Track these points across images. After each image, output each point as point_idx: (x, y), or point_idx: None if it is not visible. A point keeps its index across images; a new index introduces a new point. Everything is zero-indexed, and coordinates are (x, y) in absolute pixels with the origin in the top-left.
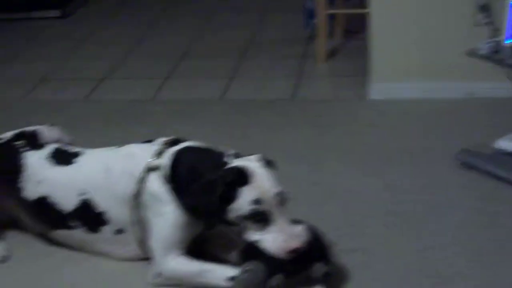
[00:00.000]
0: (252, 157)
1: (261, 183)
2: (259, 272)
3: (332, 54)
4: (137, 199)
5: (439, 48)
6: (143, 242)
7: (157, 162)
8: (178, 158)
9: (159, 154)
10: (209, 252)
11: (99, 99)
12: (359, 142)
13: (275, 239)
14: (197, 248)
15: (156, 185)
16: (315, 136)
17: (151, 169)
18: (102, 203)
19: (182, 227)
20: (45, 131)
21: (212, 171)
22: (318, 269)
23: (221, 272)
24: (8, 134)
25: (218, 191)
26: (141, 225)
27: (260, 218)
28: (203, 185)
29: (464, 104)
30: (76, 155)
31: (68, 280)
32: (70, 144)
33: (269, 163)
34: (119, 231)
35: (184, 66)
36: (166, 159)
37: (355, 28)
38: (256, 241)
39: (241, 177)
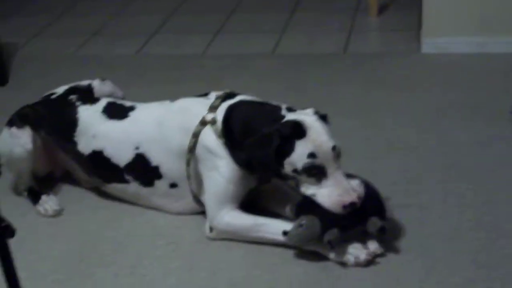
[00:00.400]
0: (306, 110)
1: (317, 136)
2: (314, 226)
3: (384, 7)
4: (191, 153)
5: (494, 2)
6: (197, 196)
7: (211, 116)
8: (232, 112)
9: (213, 108)
10: (264, 206)
11: (151, 54)
12: (412, 97)
13: (330, 194)
14: (251, 202)
15: (211, 139)
16: (368, 91)
17: (205, 123)
18: (156, 157)
19: (236, 181)
20: (98, 85)
21: (268, 125)
22: (373, 224)
23: (276, 226)
24: (62, 89)
25: (274, 145)
26: (195, 179)
27: (316, 172)
28: (259, 138)
29: None
30: (129, 109)
31: (122, 234)
32: (123, 98)
33: (323, 117)
34: (173, 185)
35: (235, 20)
36: (220, 113)
37: None
38: (311, 196)
39: (297, 131)
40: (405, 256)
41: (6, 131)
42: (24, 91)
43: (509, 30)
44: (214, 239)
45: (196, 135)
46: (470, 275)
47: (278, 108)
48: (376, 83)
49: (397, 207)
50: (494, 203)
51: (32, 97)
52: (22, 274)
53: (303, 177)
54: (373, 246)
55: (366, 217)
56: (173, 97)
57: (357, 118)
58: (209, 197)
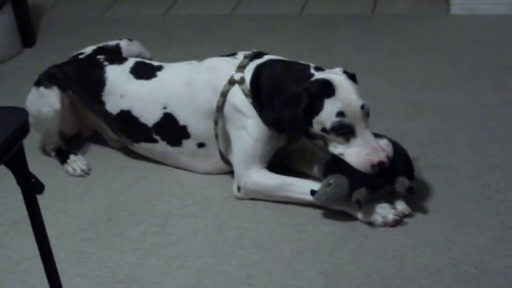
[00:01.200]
0: (335, 69)
1: (346, 95)
2: (342, 185)
3: None
4: (219, 112)
5: None
6: (225, 155)
7: (239, 75)
8: (260, 72)
9: (242, 67)
10: (292, 167)
11: (178, 15)
12: (440, 58)
13: (359, 153)
14: (280, 163)
15: (239, 98)
16: (397, 52)
17: (233, 82)
18: (184, 116)
19: (264, 141)
20: (126, 45)
21: (296, 84)
22: (402, 183)
23: (303, 186)
24: (90, 49)
25: (304, 103)
26: (223, 139)
27: (344, 131)
28: (288, 97)
29: None
30: (157, 69)
31: (149, 193)
32: (150, 58)
33: (352, 76)
34: (201, 145)
35: None
36: (248, 73)
37: None
38: (340, 155)
39: (327, 89)
40: (433, 216)
41: (34, 91)
42: (51, 52)
43: None
44: (241, 199)
45: (224, 94)
46: (498, 235)
47: (307, 67)
48: (405, 44)
49: (426, 168)
50: None
51: (59, 58)
52: (51, 232)
53: (331, 136)
54: (401, 206)
55: (395, 177)
56: (200, 58)
57: (386, 79)
58: (237, 156)
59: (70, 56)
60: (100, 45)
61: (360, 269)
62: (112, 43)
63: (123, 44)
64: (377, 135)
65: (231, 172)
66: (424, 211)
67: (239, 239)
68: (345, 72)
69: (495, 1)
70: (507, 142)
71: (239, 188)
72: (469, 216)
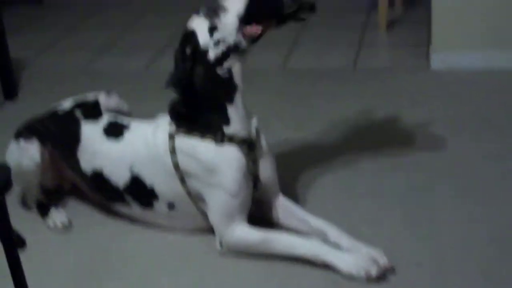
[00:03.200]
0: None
1: None
2: None
3: (393, 23)
4: (178, 170)
5: (503, 17)
6: (198, 213)
7: (173, 127)
8: (171, 107)
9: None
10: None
11: (161, 68)
12: (421, 112)
13: None
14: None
15: (196, 150)
16: (377, 106)
17: (172, 136)
18: (149, 176)
19: (240, 193)
20: (104, 98)
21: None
22: None
23: (285, 239)
24: (68, 102)
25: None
26: (194, 196)
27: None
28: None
29: None
30: (125, 128)
31: (131, 248)
32: (129, 112)
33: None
34: (171, 205)
35: None
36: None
37: None
38: None
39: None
40: (414, 270)
41: (14, 144)
42: (33, 105)
43: None
44: (223, 253)
45: (173, 150)
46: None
47: None
48: (385, 98)
49: (406, 219)
50: (506, 218)
51: (41, 110)
52: (32, 286)
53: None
54: (382, 260)
55: None
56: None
57: (366, 133)
58: (216, 214)
59: (48, 109)
60: (78, 98)
61: None
62: (91, 96)
63: (101, 97)
64: None
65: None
66: (406, 265)
67: None
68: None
69: (475, 56)
70: (489, 196)
71: (221, 243)
72: (452, 270)
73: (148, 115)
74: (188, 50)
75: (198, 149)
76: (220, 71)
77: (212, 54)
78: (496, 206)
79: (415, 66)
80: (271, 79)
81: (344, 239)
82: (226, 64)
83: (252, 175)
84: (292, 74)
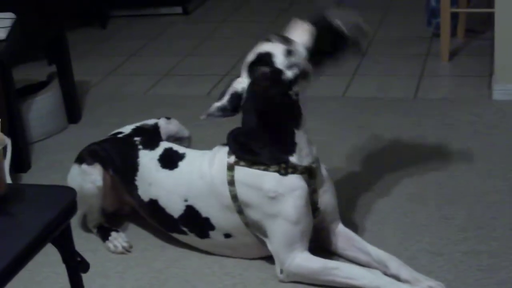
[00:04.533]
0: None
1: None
2: None
3: (455, 53)
4: (237, 202)
5: None
6: (256, 242)
7: (232, 158)
8: (233, 136)
9: (223, 152)
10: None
11: None
12: (484, 143)
13: None
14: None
15: (257, 180)
16: (439, 136)
17: (232, 167)
18: (205, 208)
19: (301, 220)
20: (164, 124)
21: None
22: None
23: (347, 270)
24: (128, 128)
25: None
26: (250, 227)
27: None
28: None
29: None
30: (181, 158)
31: (190, 273)
32: (189, 137)
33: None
34: (228, 235)
35: None
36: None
37: (477, 26)
38: None
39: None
40: None
41: (77, 168)
42: (95, 129)
43: None
44: (284, 281)
45: (231, 183)
46: None
47: None
48: (447, 129)
49: (467, 253)
50: None
51: (102, 134)
52: None
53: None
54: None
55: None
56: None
57: (428, 163)
58: (276, 242)
59: (108, 134)
60: (138, 124)
61: None
62: (151, 122)
63: (161, 123)
64: None
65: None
66: None
67: None
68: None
69: None
70: None
71: (281, 271)
72: None
73: (208, 140)
74: (265, 70)
75: (261, 179)
76: (292, 93)
77: (287, 76)
78: None
79: (477, 97)
80: (331, 107)
81: (404, 271)
82: (295, 88)
83: (312, 203)
84: (353, 103)
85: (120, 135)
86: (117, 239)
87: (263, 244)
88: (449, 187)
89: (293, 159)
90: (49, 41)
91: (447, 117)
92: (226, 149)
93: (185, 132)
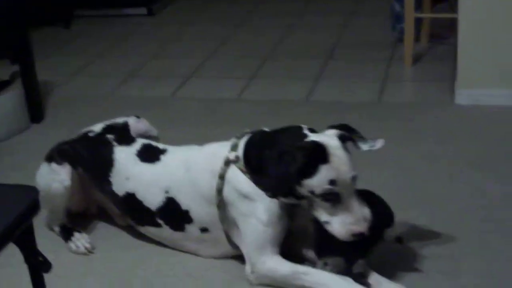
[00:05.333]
0: (329, 131)
1: (340, 164)
2: (338, 264)
3: (418, 58)
4: (220, 195)
5: None
6: (231, 240)
7: (233, 154)
8: (252, 142)
9: (235, 146)
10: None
11: (185, 97)
12: (445, 148)
13: (342, 223)
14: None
15: (241, 181)
16: (402, 140)
17: (229, 162)
18: (186, 201)
19: (275, 224)
20: (134, 122)
21: (290, 142)
22: (389, 234)
23: (318, 275)
24: (98, 126)
25: (299, 162)
26: (228, 222)
27: (332, 198)
28: (282, 153)
29: None
30: (161, 152)
31: (153, 274)
32: (157, 137)
33: (345, 138)
34: (204, 230)
35: (270, 66)
36: (240, 149)
37: (441, 32)
38: (325, 223)
39: (322, 154)
40: None
41: (46, 166)
42: (59, 129)
43: None
44: (253, 283)
45: (222, 176)
46: None
47: (300, 128)
48: (410, 133)
49: (429, 258)
50: None
51: (67, 135)
52: None
53: (318, 199)
54: None
55: (382, 234)
56: (205, 141)
57: (390, 167)
58: (248, 243)
59: (79, 133)
60: (108, 122)
61: None
62: (120, 120)
63: (131, 121)
64: (362, 192)
65: (236, 256)
66: None
67: None
68: (340, 136)
69: (500, 92)
70: (510, 234)
71: (251, 273)
72: None
73: (173, 141)
74: (308, 166)
75: (239, 178)
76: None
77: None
78: None
79: (440, 101)
80: (295, 111)
81: (373, 276)
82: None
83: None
84: (317, 106)
85: (90, 133)
86: (80, 240)
87: (234, 243)
88: (411, 191)
89: None
90: (12, 40)
91: (410, 121)
92: (229, 144)
93: (154, 132)
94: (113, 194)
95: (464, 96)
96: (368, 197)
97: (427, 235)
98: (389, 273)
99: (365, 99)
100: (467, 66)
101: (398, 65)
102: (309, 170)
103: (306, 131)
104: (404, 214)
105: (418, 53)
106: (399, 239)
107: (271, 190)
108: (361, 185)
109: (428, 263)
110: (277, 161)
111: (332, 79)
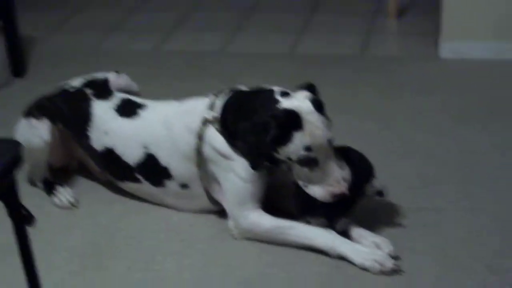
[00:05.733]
0: (301, 94)
1: (314, 129)
2: (321, 223)
3: (403, 11)
4: (199, 155)
5: None
6: (212, 196)
7: (211, 114)
8: (227, 105)
9: (212, 106)
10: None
11: (168, 51)
12: (429, 101)
13: (321, 185)
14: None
15: (218, 140)
16: (385, 94)
17: (206, 122)
18: (165, 158)
19: (254, 180)
20: (113, 78)
21: (263, 111)
22: (370, 189)
23: (301, 229)
24: (78, 80)
25: (273, 133)
26: (208, 180)
27: (309, 162)
28: (255, 124)
29: None
30: (140, 107)
31: (136, 228)
32: (138, 93)
33: (317, 103)
34: (184, 186)
35: (254, 19)
36: (218, 109)
37: None
38: (303, 186)
39: (295, 121)
40: (419, 258)
41: (24, 122)
42: (41, 83)
43: None
44: (236, 238)
45: (200, 136)
46: (484, 279)
47: (272, 93)
48: (394, 86)
49: (413, 210)
50: (510, 208)
51: (48, 88)
52: (37, 264)
53: (295, 165)
54: (386, 246)
55: (363, 190)
56: (188, 94)
57: (374, 121)
58: (230, 198)
59: (57, 87)
60: (88, 77)
61: None
62: (100, 75)
63: (111, 77)
64: (341, 150)
65: (219, 211)
66: (411, 253)
67: (225, 277)
68: (311, 99)
69: (484, 46)
70: (495, 186)
71: (234, 228)
72: (456, 259)
73: (156, 95)
74: (282, 134)
75: (217, 138)
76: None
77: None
78: (502, 195)
79: (424, 55)
80: (278, 64)
81: (356, 230)
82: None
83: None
84: (300, 60)
85: (69, 88)
86: (63, 194)
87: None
88: (394, 144)
89: None
90: None
91: (394, 74)
92: (207, 102)
93: (135, 87)
94: (91, 149)
95: (448, 49)
96: (346, 154)
97: (411, 188)
98: (372, 227)
99: (348, 52)
100: (451, 19)
101: (382, 18)
102: (284, 138)
103: (278, 96)
104: (388, 167)
105: (402, 6)
106: (380, 193)
107: (250, 162)
108: (344, 137)
109: (411, 216)
110: (251, 132)
111: (316, 32)
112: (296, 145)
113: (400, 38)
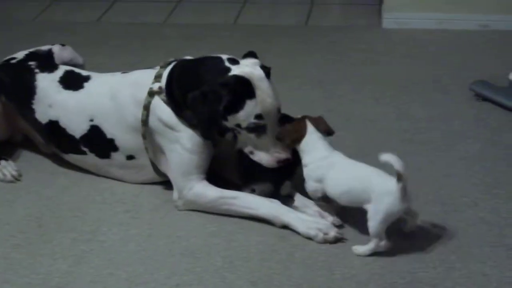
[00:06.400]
0: (249, 61)
1: (265, 97)
2: (265, 189)
3: None
4: (145, 126)
5: None
6: (158, 167)
7: (157, 85)
8: (173, 75)
9: (158, 77)
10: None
11: (111, 21)
12: (372, 71)
13: (267, 152)
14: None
15: (164, 111)
16: (329, 63)
17: (153, 93)
18: (111, 129)
19: (199, 151)
20: (58, 50)
21: (213, 79)
22: None
23: (245, 199)
24: (22, 53)
25: (225, 101)
26: (154, 151)
27: (258, 129)
28: (205, 93)
29: (478, 36)
30: (85, 79)
31: (81, 200)
32: (83, 65)
33: (266, 70)
34: (130, 157)
35: None
36: (164, 80)
37: None
38: (249, 153)
39: (247, 89)
40: (361, 227)
41: None
42: None
43: (469, 7)
44: (180, 209)
45: (146, 107)
46: (424, 246)
47: (220, 60)
48: (338, 55)
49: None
50: (450, 177)
51: None
52: None
53: (243, 132)
54: (330, 218)
55: None
56: (132, 66)
57: (318, 90)
58: (174, 169)
59: (1, 60)
60: (32, 50)
61: (290, 279)
62: (45, 48)
63: (56, 49)
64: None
65: (163, 182)
66: (353, 222)
67: (170, 247)
68: (261, 66)
69: (427, 16)
70: (435, 155)
71: (179, 198)
72: (394, 227)
73: (100, 67)
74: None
75: (163, 109)
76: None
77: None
78: (442, 165)
79: (367, 25)
80: (222, 34)
81: (299, 199)
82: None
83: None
84: (244, 30)
85: (12, 61)
86: (6, 168)
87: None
88: (336, 112)
89: None
90: None
91: (337, 44)
92: (152, 73)
93: (79, 59)
94: (36, 122)
95: (391, 20)
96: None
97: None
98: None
99: (292, 23)
100: None
101: None
102: (235, 106)
103: (227, 64)
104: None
105: None
106: None
107: (201, 132)
108: (289, 105)
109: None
110: (202, 101)
111: (260, 3)
112: (247, 113)
113: (343, 8)
